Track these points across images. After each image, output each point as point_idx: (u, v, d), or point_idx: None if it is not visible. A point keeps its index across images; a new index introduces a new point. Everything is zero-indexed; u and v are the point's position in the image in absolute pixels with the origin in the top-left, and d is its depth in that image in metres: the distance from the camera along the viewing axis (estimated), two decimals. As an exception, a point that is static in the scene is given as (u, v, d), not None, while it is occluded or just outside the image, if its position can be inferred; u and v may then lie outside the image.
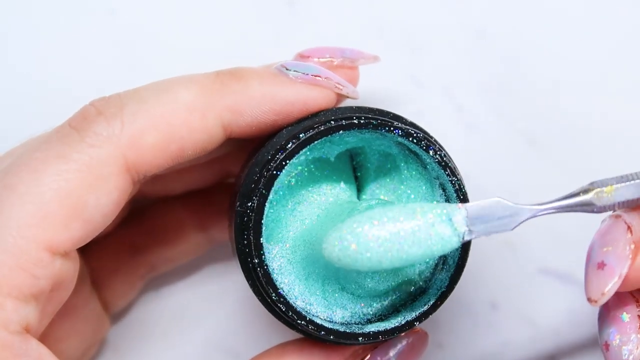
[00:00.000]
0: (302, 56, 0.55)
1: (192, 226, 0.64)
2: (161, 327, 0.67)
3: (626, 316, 0.51)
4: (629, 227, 0.50)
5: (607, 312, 0.52)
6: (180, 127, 0.51)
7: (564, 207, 0.50)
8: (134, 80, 0.59)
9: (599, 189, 0.50)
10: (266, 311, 0.63)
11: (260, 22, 0.67)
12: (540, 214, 0.50)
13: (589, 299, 0.50)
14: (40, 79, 0.67)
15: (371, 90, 0.66)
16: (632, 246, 0.49)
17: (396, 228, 0.47)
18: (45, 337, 0.52)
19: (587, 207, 0.50)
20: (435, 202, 0.52)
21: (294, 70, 0.53)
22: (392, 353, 0.53)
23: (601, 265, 0.50)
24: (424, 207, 0.48)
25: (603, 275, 0.49)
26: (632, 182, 0.50)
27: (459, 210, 0.48)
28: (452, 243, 0.48)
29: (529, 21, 0.67)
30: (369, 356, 0.53)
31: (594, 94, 0.67)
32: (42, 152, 0.49)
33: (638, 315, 0.51)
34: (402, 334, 0.52)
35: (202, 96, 0.51)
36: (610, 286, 0.49)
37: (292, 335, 0.54)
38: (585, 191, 0.50)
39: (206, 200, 0.64)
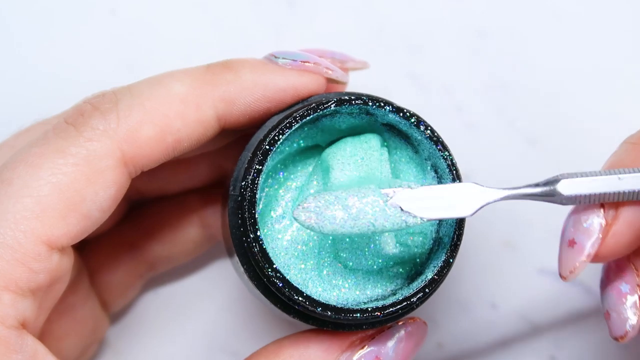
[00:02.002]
0: None
1: (191, 225, 0.64)
2: (160, 328, 0.67)
3: (626, 286, 0.51)
4: (602, 205, 0.50)
5: (608, 282, 0.52)
6: (176, 119, 0.51)
7: (529, 194, 0.50)
8: (134, 79, 0.59)
9: (565, 180, 0.49)
10: (264, 309, 0.63)
11: (260, 22, 0.67)
12: (504, 199, 0.50)
13: (560, 275, 0.50)
14: (41, 78, 0.67)
15: (371, 89, 0.65)
16: (603, 222, 0.50)
17: (348, 211, 0.49)
18: (43, 336, 0.52)
19: (552, 198, 0.50)
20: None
21: (283, 58, 0.54)
22: (389, 344, 0.53)
23: (572, 243, 0.50)
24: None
25: (572, 253, 0.50)
26: (598, 176, 0.49)
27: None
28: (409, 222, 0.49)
29: (529, 21, 0.67)
30: (366, 347, 0.52)
31: (593, 93, 0.67)
32: (39, 147, 0.49)
33: (638, 285, 0.51)
34: (401, 314, 0.52)
35: (195, 88, 0.52)
36: (578, 264, 0.50)
37: (291, 331, 0.54)
38: (552, 182, 0.50)
39: (205, 199, 0.64)
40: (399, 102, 0.53)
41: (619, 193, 0.49)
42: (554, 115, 0.66)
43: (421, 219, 0.49)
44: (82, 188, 0.49)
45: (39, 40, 0.67)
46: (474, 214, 0.49)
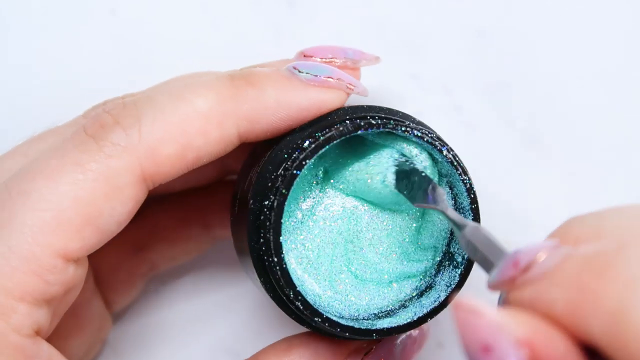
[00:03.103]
0: (305, 55, 0.55)
1: (193, 224, 0.64)
2: (161, 328, 0.67)
3: None
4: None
5: None
6: (197, 137, 0.50)
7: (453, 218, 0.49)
8: (135, 79, 0.59)
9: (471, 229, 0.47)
10: (268, 309, 0.63)
11: (261, 22, 0.67)
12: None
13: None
14: (41, 79, 0.67)
15: (372, 89, 0.65)
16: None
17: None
18: (49, 336, 0.52)
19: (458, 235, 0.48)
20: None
21: (306, 72, 0.53)
22: (395, 348, 0.54)
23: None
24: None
25: None
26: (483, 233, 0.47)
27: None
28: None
29: (528, 21, 0.67)
30: (373, 350, 0.53)
31: (594, 93, 0.67)
32: (58, 159, 0.49)
33: None
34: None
35: (219, 104, 0.51)
36: None
37: (294, 331, 0.54)
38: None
39: (207, 198, 0.64)
40: (400, 102, 0.53)
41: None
42: (554, 115, 0.67)
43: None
44: (100, 204, 0.49)
45: (39, 40, 0.67)
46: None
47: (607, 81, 0.67)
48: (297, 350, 0.53)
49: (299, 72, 0.53)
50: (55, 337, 0.57)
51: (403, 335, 0.54)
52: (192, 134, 0.50)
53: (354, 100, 0.56)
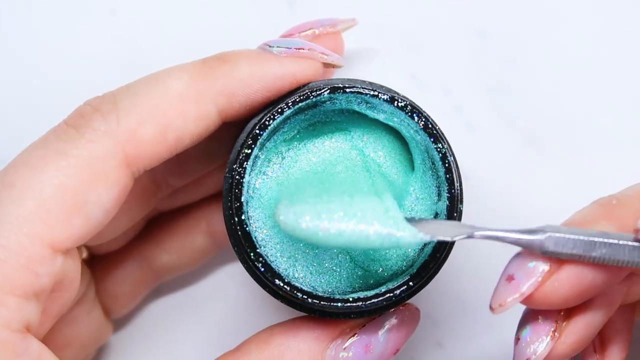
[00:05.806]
0: (285, 36, 0.56)
1: (198, 233, 0.64)
2: (162, 330, 0.67)
3: (543, 318, 0.52)
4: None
5: (529, 311, 0.53)
6: (176, 117, 0.51)
7: (511, 239, 0.50)
8: (135, 79, 0.58)
9: (550, 235, 0.50)
10: (270, 312, 0.63)
11: (261, 23, 0.67)
12: (481, 237, 0.51)
13: (489, 306, 0.51)
14: (40, 79, 0.67)
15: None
16: (546, 268, 0.50)
17: (347, 227, 0.49)
18: (45, 344, 0.52)
19: (536, 249, 0.50)
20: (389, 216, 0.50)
21: (277, 47, 0.53)
22: (380, 332, 0.53)
23: (510, 278, 0.51)
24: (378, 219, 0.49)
25: (508, 288, 0.50)
26: (583, 238, 0.49)
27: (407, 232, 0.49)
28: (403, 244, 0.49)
29: (528, 21, 0.67)
30: (356, 335, 0.53)
31: (593, 93, 0.67)
32: (40, 150, 0.49)
33: (556, 321, 0.51)
34: (386, 305, 0.52)
35: (193, 83, 0.52)
36: (509, 300, 0.50)
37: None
38: (538, 232, 0.50)
39: (211, 206, 0.64)
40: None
41: (595, 257, 0.49)
42: (554, 115, 0.67)
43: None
44: (85, 190, 0.49)
45: (39, 40, 0.67)
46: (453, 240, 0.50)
47: (607, 81, 0.67)
48: (279, 339, 0.52)
49: (270, 47, 0.54)
50: (51, 345, 0.56)
51: (391, 321, 0.53)
52: (170, 115, 0.51)
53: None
